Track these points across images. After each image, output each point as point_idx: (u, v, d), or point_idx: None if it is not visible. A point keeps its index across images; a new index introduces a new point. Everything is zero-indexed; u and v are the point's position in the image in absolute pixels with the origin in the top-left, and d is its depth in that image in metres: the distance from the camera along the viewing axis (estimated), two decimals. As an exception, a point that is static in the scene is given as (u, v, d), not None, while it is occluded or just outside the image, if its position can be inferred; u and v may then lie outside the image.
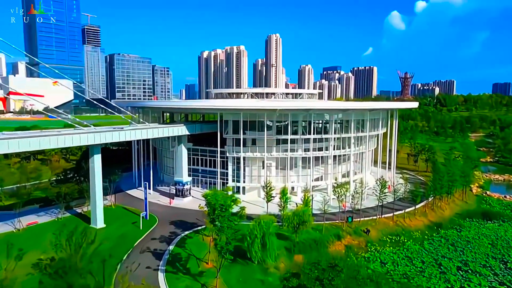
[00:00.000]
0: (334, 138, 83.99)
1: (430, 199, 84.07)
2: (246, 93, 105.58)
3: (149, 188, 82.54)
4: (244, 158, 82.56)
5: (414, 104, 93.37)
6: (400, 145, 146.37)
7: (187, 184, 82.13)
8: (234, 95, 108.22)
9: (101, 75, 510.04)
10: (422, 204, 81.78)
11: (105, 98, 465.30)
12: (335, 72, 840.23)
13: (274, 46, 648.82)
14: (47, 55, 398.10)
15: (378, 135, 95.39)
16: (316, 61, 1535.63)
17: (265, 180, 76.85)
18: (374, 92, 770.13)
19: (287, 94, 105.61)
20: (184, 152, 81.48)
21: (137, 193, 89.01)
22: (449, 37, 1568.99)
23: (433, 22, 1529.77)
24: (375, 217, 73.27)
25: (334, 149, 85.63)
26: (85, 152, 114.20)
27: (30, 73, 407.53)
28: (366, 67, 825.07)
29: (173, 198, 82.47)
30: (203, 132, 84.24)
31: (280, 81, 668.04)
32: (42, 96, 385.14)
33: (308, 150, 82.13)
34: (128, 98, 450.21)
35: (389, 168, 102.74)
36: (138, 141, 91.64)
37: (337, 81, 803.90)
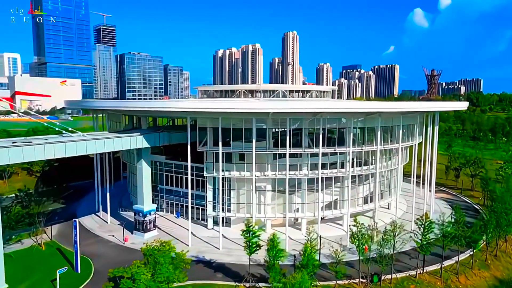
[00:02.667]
0: (353, 151, 60.73)
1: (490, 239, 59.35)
2: (238, 90, 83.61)
3: (111, 214, 61.36)
4: (226, 178, 60.37)
5: (463, 105, 69.23)
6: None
7: (149, 215, 60.35)
8: (225, 93, 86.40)
9: (113, 74, 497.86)
10: (480, 246, 57.44)
11: (115, 98, 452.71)
12: (355, 70, 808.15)
13: (291, 44, 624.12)
14: (55, 54, 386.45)
15: (412, 146, 71.22)
16: (335, 60, 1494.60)
17: (252, 211, 54.41)
18: (396, 91, 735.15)
19: (290, 91, 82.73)
20: (146, 171, 59.77)
21: (91, 221, 68.02)
22: (474, 34, 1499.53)
23: (458, 19, 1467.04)
24: (413, 272, 49.73)
25: (352, 166, 62.44)
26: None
27: (39, 73, 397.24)
28: (388, 66, 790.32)
29: (132, 233, 61.10)
30: (176, 144, 62.44)
31: (297, 80, 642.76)
32: (49, 96, 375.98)
33: (316, 168, 59.34)
34: (139, 98, 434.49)
35: (424, 184, 78.53)
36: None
37: (357, 80, 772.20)
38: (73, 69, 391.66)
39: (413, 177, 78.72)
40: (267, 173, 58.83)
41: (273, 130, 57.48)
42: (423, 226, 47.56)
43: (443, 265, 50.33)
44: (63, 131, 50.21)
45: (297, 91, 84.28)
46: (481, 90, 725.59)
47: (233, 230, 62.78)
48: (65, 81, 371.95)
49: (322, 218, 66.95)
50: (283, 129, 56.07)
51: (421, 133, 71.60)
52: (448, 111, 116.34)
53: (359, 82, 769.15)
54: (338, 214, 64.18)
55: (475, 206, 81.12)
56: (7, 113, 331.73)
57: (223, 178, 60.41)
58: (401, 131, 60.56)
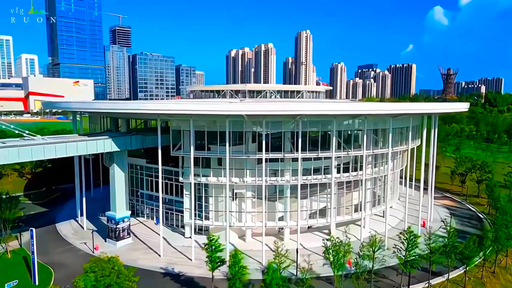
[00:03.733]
0: (339, 156, 56.43)
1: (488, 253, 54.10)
2: (224, 90, 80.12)
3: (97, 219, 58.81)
4: (204, 184, 56.93)
5: (463, 106, 63.57)
6: (441, 157, 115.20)
7: (122, 222, 57.38)
8: (211, 94, 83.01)
9: (127, 75, 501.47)
10: (476, 262, 52.33)
11: (128, 98, 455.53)
12: (370, 70, 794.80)
13: (304, 43, 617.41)
14: (68, 55, 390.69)
15: (408, 149, 66.32)
16: (351, 59, 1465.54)
17: (225, 219, 50.76)
18: (413, 91, 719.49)
19: (279, 92, 78.61)
20: (119, 175, 56.80)
21: (67, 227, 65.57)
22: (496, 32, 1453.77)
23: (479, 16, 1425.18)
24: (398, 291, 45.26)
25: (339, 172, 58.17)
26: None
27: (53, 73, 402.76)
28: (404, 65, 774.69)
29: (106, 240, 58.31)
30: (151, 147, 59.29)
31: (310, 80, 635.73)
32: (62, 96, 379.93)
33: (297, 174, 55.42)
34: (150, 98, 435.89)
35: (425, 190, 73.65)
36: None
37: (372, 80, 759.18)
38: (86, 69, 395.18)
39: (407, 182, 73.88)
40: (245, 179, 55.06)
41: (252, 133, 53.79)
42: (406, 241, 42.83)
43: (430, 284, 45.61)
44: (25, 134, 47.58)
45: (286, 92, 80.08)
46: (502, 89, 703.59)
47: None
48: (78, 81, 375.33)
49: (309, 227, 63.10)
50: (265, 133, 52.20)
51: (417, 136, 66.53)
52: (449, 112, 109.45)
53: (374, 82, 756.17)
54: (324, 223, 59.92)
55: (480, 215, 75.54)
56: (21, 113, 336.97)
57: (200, 184, 57.18)
58: (391, 135, 55.75)
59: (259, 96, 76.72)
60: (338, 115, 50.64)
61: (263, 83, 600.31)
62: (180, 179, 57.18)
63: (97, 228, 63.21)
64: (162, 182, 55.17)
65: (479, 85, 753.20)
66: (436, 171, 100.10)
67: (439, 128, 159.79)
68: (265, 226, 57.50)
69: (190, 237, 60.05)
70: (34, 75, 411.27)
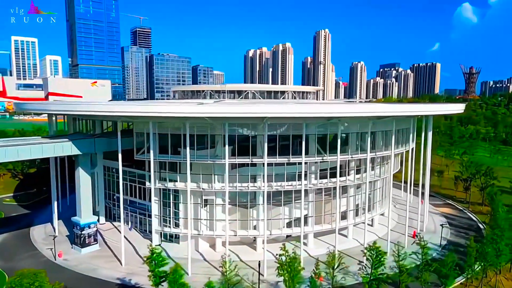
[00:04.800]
0: (315, 162, 52.53)
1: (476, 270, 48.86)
2: (205, 91, 77.18)
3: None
4: (172, 190, 54.12)
5: (456, 107, 58.02)
6: (449, 161, 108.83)
7: (88, 228, 55.22)
8: (192, 94, 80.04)
9: (145, 75, 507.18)
10: (462, 279, 47.29)
11: (146, 98, 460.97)
12: (392, 69, 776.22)
13: (323, 43, 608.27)
14: (86, 56, 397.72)
15: (392, 154, 61.36)
16: (372, 58, 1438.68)
17: (197, 226, 47.73)
18: (437, 90, 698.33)
19: (261, 92, 74.83)
20: (84, 180, 54.68)
21: (40, 231, 64.09)
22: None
23: (509, 13, 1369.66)
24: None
25: (315, 179, 54.27)
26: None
27: (73, 74, 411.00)
28: (428, 64, 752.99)
29: (72, 247, 56.34)
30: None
31: (329, 79, 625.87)
32: (80, 96, 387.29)
33: (278, 179, 52.07)
34: (167, 98, 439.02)
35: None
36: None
37: (393, 79, 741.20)
38: (104, 70, 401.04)
39: (404, 187, 68.94)
40: (213, 185, 51.91)
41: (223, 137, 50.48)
42: (371, 258, 38.54)
43: (404, 305, 41.12)
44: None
45: (269, 92, 76.24)
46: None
47: (182, 247, 56.53)
48: (96, 82, 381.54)
49: (288, 236, 59.24)
50: (226, 135, 48.93)
51: (406, 140, 61.54)
52: (442, 114, 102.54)
53: (396, 81, 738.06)
54: (300, 232, 55.95)
55: (481, 225, 69.65)
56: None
57: (169, 190, 54.44)
58: (369, 139, 51.28)
59: (240, 97, 73.41)
60: (310, 117, 46.66)
61: (281, 83, 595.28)
62: (147, 184, 54.60)
63: (70, 233, 61.50)
64: (123, 184, 52.99)
65: (508, 84, 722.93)
66: (440, 176, 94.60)
67: (453, 130, 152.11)
68: (236, 235, 54.57)
69: (160, 245, 57.74)
70: (54, 76, 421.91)
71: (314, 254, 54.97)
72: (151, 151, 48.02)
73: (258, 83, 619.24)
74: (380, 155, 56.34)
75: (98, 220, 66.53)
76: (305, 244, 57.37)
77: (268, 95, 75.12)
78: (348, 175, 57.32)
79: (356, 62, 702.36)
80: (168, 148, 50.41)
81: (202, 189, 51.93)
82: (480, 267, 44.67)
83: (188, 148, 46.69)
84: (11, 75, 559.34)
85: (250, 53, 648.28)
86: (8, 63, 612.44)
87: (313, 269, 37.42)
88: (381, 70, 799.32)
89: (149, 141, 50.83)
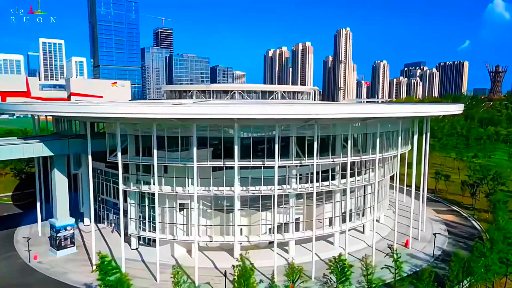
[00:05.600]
0: (293, 165, 49.84)
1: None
2: (191, 90, 75.66)
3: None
4: (149, 193, 52.53)
5: (450, 108, 53.50)
6: (462, 164, 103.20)
7: (64, 230, 54.45)
8: (179, 94, 78.64)
9: (165, 76, 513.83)
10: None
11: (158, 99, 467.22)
12: (417, 68, 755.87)
13: (344, 41, 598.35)
14: (107, 57, 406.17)
15: (376, 158, 57.61)
16: (396, 57, 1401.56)
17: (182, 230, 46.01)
18: (464, 89, 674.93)
19: (249, 92, 72.28)
20: (59, 181, 53.94)
21: (25, 232, 63.92)
22: None
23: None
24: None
25: (297, 183, 51.53)
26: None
27: (95, 75, 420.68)
28: (455, 62, 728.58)
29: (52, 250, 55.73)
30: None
31: (349, 78, 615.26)
32: (101, 97, 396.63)
33: (255, 183, 49.76)
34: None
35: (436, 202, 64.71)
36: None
37: (418, 78, 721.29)
38: (123, 70, 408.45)
39: (396, 190, 65.01)
40: (187, 189, 50.03)
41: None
42: (335, 271, 35.57)
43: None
44: None
45: (257, 92, 73.60)
46: None
47: (160, 251, 54.94)
48: (116, 82, 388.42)
49: (271, 243, 56.57)
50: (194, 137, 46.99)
51: (395, 144, 57.68)
52: (432, 116, 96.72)
53: (421, 80, 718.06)
54: (280, 239, 53.31)
55: (483, 235, 64.78)
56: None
57: (145, 193, 52.93)
58: (349, 142, 48.05)
59: (227, 97, 71.28)
60: (280, 119, 44.02)
61: (300, 83, 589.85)
62: (122, 186, 53.22)
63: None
64: (93, 183, 51.84)
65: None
66: (447, 180, 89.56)
67: (471, 131, 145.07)
68: (212, 241, 52.55)
69: (137, 249, 56.44)
70: (78, 77, 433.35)
71: (294, 263, 52.34)
72: (119, 153, 46.55)
73: (278, 83, 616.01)
74: (366, 158, 52.88)
75: (83, 222, 66.46)
76: (286, 251, 54.90)
77: (255, 95, 72.70)
78: (333, 179, 54.24)
79: (379, 61, 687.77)
80: (140, 150, 48.90)
81: (176, 192, 50.11)
82: (467, 283, 40.86)
83: (155, 150, 44.99)
84: (39, 76, 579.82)
85: (270, 53, 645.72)
86: (37, 64, 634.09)
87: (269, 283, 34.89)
88: (405, 69, 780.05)
89: (121, 142, 49.76)
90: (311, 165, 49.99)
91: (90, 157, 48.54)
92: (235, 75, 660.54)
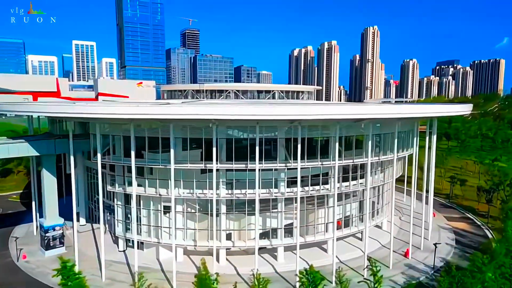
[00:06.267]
0: (280, 169, 47.45)
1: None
2: (187, 90, 74.14)
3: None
4: (134, 195, 51.55)
5: (453, 109, 49.01)
6: (482, 167, 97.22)
7: (52, 230, 54.42)
8: (174, 94, 77.50)
9: (190, 76, 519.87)
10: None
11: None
12: (449, 67, 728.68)
13: (371, 40, 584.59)
14: (133, 58, 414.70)
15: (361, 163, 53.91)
16: (428, 55, 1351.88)
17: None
18: (500, 89, 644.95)
19: (244, 92, 69.96)
20: (48, 181, 53.92)
21: (23, 230, 64.74)
22: None
23: None
24: None
25: (287, 186, 49.14)
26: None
27: (122, 75, 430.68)
28: (491, 60, 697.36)
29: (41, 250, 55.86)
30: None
31: (377, 78, 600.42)
32: (127, 97, 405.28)
33: (239, 186, 47.88)
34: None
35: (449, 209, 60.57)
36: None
37: (450, 77, 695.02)
38: (149, 71, 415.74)
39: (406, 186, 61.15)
40: (169, 192, 48.63)
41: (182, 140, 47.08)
42: (305, 284, 32.97)
43: None
44: None
45: (252, 92, 71.19)
46: None
47: (146, 255, 54.09)
48: (141, 82, 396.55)
49: (262, 248, 54.39)
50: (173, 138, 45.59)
51: (391, 148, 54.01)
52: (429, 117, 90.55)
53: (453, 79, 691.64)
54: (265, 245, 51.08)
55: (495, 245, 59.88)
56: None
57: (129, 194, 51.96)
58: (337, 145, 45.12)
59: (221, 97, 69.46)
60: (263, 120, 41.77)
61: (326, 82, 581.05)
62: (108, 187, 52.73)
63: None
64: (89, 183, 51.23)
65: None
66: (463, 185, 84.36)
67: (498, 133, 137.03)
68: (195, 246, 50.95)
69: (124, 251, 55.69)
70: (108, 77, 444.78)
71: (282, 270, 50.08)
72: (99, 154, 45.74)
73: (302, 82, 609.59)
74: (359, 162, 49.71)
75: (78, 221, 66.55)
76: (275, 258, 52.57)
77: (251, 95, 70.48)
78: (326, 183, 51.44)
79: (408, 60, 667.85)
80: (121, 151, 48.01)
81: (160, 195, 48.89)
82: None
83: (133, 152, 43.85)
84: (72, 76, 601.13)
85: (295, 52, 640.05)
86: (71, 65, 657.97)
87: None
88: (437, 67, 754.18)
89: (107, 143, 49.17)
90: (306, 168, 47.67)
91: (72, 158, 48.02)
92: (261, 75, 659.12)
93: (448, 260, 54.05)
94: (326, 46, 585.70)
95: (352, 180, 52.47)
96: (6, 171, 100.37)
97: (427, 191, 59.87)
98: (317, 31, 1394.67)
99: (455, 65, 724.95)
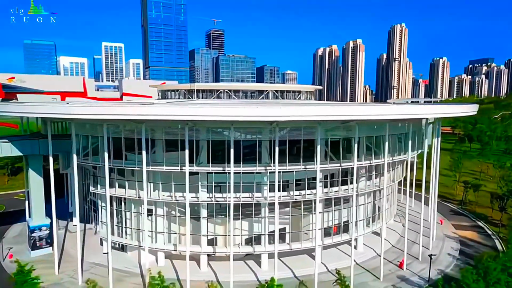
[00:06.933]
0: (263, 172, 45.21)
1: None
2: (179, 90, 72.77)
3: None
4: (118, 197, 50.72)
5: (449, 110, 44.68)
6: (498, 171, 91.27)
7: (38, 230, 54.37)
8: (165, 93, 76.17)
9: (213, 76, 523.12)
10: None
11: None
12: (483, 65, 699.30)
13: (398, 38, 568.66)
14: (157, 58, 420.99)
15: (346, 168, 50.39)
16: (461, 53, 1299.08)
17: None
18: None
19: (236, 91, 67.58)
20: (34, 181, 53.93)
21: (18, 229, 65.45)
22: None
23: None
24: None
25: (272, 190, 46.77)
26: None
27: (146, 76, 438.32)
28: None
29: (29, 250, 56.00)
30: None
31: (404, 77, 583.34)
32: (150, 97, 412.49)
33: (220, 190, 45.98)
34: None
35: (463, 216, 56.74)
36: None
37: (483, 76, 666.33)
38: (172, 71, 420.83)
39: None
40: (149, 194, 47.38)
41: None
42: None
43: None
44: None
45: (245, 91, 68.59)
46: None
47: (130, 257, 53.24)
48: (165, 83, 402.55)
49: (248, 254, 52.33)
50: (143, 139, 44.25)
51: (381, 151, 50.50)
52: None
53: (486, 78, 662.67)
54: (249, 251, 48.98)
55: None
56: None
57: (112, 197, 51.08)
58: (319, 147, 42.28)
59: (213, 97, 67.46)
60: (237, 121, 39.62)
61: (350, 81, 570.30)
62: (91, 188, 52.12)
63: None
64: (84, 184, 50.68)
65: None
66: (477, 191, 79.32)
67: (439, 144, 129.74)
68: (176, 250, 49.44)
69: (107, 253, 54.81)
70: (128, 78, 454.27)
71: (264, 278, 47.57)
72: (74, 155, 45.03)
73: (327, 82, 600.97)
74: (346, 166, 46.62)
75: (72, 221, 66.66)
76: (260, 265, 50.32)
77: (243, 94, 68.20)
78: (313, 188, 48.65)
79: (438, 58, 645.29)
80: (104, 152, 47.11)
81: (139, 197, 47.67)
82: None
83: (106, 153, 42.84)
84: (102, 77, 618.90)
85: (320, 52, 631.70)
86: (101, 66, 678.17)
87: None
88: (470, 66, 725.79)
89: (87, 143, 48.51)
90: (289, 172, 45.31)
91: (51, 158, 47.54)
92: (286, 75, 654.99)
93: (446, 273, 50.09)
94: (351, 44, 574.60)
95: (341, 185, 49.50)
96: (17, 170, 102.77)
97: (444, 197, 55.95)
98: (342, 29, 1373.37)
99: (489, 64, 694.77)
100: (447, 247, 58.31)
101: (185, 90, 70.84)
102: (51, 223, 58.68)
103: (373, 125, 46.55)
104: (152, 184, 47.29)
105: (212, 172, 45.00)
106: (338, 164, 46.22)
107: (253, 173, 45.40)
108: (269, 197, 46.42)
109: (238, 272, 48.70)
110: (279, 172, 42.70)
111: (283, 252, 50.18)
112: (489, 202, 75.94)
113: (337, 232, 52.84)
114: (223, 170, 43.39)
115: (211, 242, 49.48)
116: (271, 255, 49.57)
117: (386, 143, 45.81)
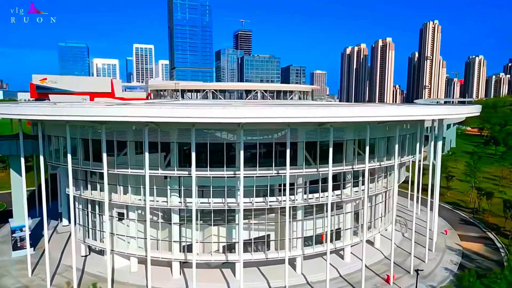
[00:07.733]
0: (237, 176, 42.72)
1: None
2: (167, 89, 71.02)
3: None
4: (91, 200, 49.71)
5: (445, 111, 40.13)
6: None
7: (19, 231, 54.24)
8: (158, 93, 74.57)
9: (238, 76, 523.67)
10: None
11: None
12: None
13: (431, 36, 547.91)
14: (182, 59, 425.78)
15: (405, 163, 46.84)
16: (500, 51, 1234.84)
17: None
18: None
19: (222, 91, 64.88)
20: (15, 181, 53.90)
21: (7, 229, 65.93)
22: None
23: None
24: None
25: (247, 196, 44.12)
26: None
27: (172, 76, 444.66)
28: None
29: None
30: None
31: (436, 76, 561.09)
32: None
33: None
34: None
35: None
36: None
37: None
38: (197, 72, 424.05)
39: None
40: (117, 197, 46.01)
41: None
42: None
43: None
44: None
45: (230, 91, 65.87)
46: None
47: (104, 262, 51.90)
48: (178, 83, 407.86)
49: (224, 263, 49.95)
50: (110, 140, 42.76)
51: (375, 154, 46.55)
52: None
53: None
54: (221, 259, 46.55)
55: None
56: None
57: (87, 200, 50.14)
58: (303, 151, 39.21)
59: (199, 97, 65.33)
60: (200, 123, 37.26)
61: (379, 81, 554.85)
62: (67, 190, 51.29)
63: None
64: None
65: None
66: (490, 198, 73.36)
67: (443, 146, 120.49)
68: (145, 256, 47.58)
69: (86, 256, 54.00)
70: (161, 78, 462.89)
71: (236, 289, 45.18)
72: (41, 156, 44.27)
73: (355, 82, 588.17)
74: (336, 171, 43.17)
75: (61, 221, 66.67)
76: (233, 274, 47.75)
77: (230, 94, 65.64)
78: (295, 194, 45.63)
79: (473, 56, 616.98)
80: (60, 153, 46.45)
81: (109, 200, 46.28)
82: None
83: (69, 155, 41.70)
84: (132, 78, 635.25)
85: (348, 51, 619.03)
86: (132, 67, 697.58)
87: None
88: (509, 64, 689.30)
89: (58, 145, 47.77)
90: (263, 177, 42.65)
91: (22, 159, 47.05)
92: (315, 75, 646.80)
93: (441, 289, 45.64)
94: (380, 43, 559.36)
95: (323, 191, 46.12)
96: (26, 168, 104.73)
97: (432, 202, 51.49)
98: (371, 28, 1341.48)
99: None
100: (446, 260, 53.45)
101: (171, 89, 69.47)
102: (41, 223, 59.29)
103: (356, 128, 42.95)
104: (122, 187, 45.89)
105: (181, 176, 43.02)
106: (315, 170, 42.96)
107: (223, 177, 42.96)
108: (244, 203, 43.79)
109: (211, 281, 46.77)
110: (245, 176, 39.97)
111: (262, 261, 47.55)
112: (499, 211, 69.88)
113: (320, 241, 49.48)
114: (188, 174, 41.23)
115: (184, 249, 47.42)
116: (247, 264, 47.03)
117: (367, 147, 42.02)
